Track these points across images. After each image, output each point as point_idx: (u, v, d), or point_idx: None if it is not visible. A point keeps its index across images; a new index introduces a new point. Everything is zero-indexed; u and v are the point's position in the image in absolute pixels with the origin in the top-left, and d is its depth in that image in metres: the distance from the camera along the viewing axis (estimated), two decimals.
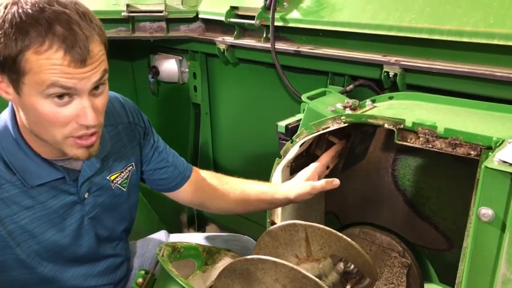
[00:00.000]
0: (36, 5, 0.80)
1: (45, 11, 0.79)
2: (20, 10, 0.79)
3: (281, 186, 1.18)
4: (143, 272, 0.86)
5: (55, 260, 1.03)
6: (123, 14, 1.77)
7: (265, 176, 1.28)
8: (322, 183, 1.11)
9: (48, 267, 1.02)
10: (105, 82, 0.89)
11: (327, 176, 1.18)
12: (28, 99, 0.84)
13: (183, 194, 1.25)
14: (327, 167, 1.19)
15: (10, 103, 0.95)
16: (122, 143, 1.11)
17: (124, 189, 1.12)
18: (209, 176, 1.29)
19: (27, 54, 0.79)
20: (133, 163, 1.14)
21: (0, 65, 0.82)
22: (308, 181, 1.13)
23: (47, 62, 0.79)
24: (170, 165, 1.22)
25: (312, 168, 1.16)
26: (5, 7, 0.81)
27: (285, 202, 1.18)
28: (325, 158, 1.18)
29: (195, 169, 1.29)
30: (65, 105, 0.84)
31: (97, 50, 0.84)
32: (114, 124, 1.10)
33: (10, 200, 0.93)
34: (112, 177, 1.08)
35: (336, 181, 1.10)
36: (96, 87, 0.87)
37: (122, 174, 1.11)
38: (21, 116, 0.91)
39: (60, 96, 0.83)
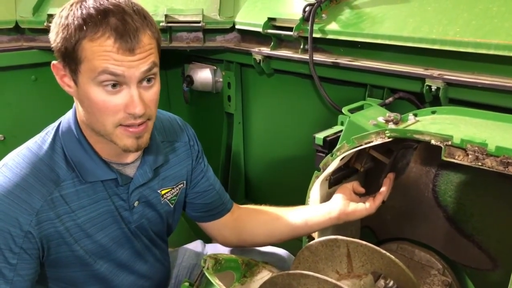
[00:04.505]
0: (97, 1, 0.86)
1: (103, 5, 0.86)
2: (82, 6, 0.86)
3: (320, 206, 1.18)
4: (187, 284, 0.87)
5: (110, 261, 1.06)
6: (161, 24, 1.80)
7: (296, 186, 1.27)
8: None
9: (104, 266, 1.05)
10: (155, 77, 0.93)
11: (368, 193, 1.19)
12: (83, 88, 0.89)
13: (222, 226, 1.25)
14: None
15: (74, 105, 1.00)
16: (176, 160, 1.15)
17: (172, 206, 1.14)
18: (249, 210, 1.29)
19: (84, 42, 0.85)
20: (184, 181, 1.17)
21: (62, 56, 0.89)
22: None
23: (99, 48, 0.85)
24: (216, 193, 1.24)
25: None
26: (71, 5, 0.88)
27: (327, 222, 1.16)
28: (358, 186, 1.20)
29: (235, 204, 1.30)
30: (115, 93, 0.89)
31: (147, 41, 0.88)
32: (171, 141, 1.14)
33: (69, 198, 0.97)
34: (163, 192, 1.11)
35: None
36: (147, 80, 0.91)
37: (172, 190, 1.13)
38: (79, 110, 0.97)
39: (111, 85, 0.87)
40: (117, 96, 0.89)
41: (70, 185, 0.97)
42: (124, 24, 0.85)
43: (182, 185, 1.17)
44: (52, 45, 0.90)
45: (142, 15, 0.89)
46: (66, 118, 1.01)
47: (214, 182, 1.25)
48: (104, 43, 0.84)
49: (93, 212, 1.00)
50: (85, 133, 0.98)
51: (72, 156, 0.97)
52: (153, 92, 0.93)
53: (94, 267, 1.04)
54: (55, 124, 1.02)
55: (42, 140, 0.99)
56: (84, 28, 0.85)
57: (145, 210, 1.09)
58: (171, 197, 1.14)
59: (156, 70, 0.92)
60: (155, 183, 1.10)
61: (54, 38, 0.89)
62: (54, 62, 0.92)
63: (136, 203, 1.06)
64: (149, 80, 0.91)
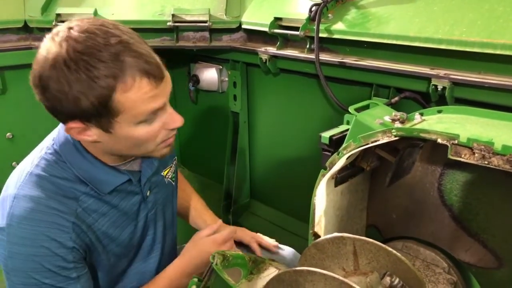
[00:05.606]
0: (94, 45, 0.79)
1: (105, 48, 0.79)
2: (85, 58, 0.78)
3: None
4: (196, 279, 0.88)
5: (129, 257, 1.09)
6: (168, 24, 1.81)
7: (302, 185, 1.28)
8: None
9: (120, 266, 1.08)
10: None
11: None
12: (121, 133, 0.87)
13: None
14: None
15: None
16: None
17: (173, 183, 1.18)
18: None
19: (116, 96, 0.81)
20: (175, 156, 1.22)
21: (85, 116, 0.84)
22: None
23: (137, 95, 0.82)
24: None
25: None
26: (63, 67, 0.79)
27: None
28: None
29: None
30: (154, 120, 0.89)
31: (158, 59, 0.86)
32: None
33: (90, 209, 0.97)
34: (165, 172, 1.14)
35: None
36: None
37: (171, 168, 1.17)
38: (95, 145, 0.94)
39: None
40: (156, 121, 0.89)
41: (87, 197, 0.97)
42: (141, 57, 0.81)
43: (175, 160, 1.21)
44: (57, 109, 0.84)
45: (133, 33, 0.85)
46: (62, 136, 0.97)
47: None
48: (140, 88, 0.81)
49: (115, 216, 1.02)
50: (87, 147, 0.96)
51: (81, 172, 0.96)
52: None
53: (114, 269, 1.07)
54: (48, 143, 0.98)
55: (45, 161, 0.95)
56: (111, 81, 0.79)
57: (156, 196, 1.12)
58: (172, 175, 1.18)
59: None
60: (159, 167, 1.13)
61: (57, 104, 0.82)
62: (70, 124, 0.86)
63: (148, 193, 1.09)
64: None
